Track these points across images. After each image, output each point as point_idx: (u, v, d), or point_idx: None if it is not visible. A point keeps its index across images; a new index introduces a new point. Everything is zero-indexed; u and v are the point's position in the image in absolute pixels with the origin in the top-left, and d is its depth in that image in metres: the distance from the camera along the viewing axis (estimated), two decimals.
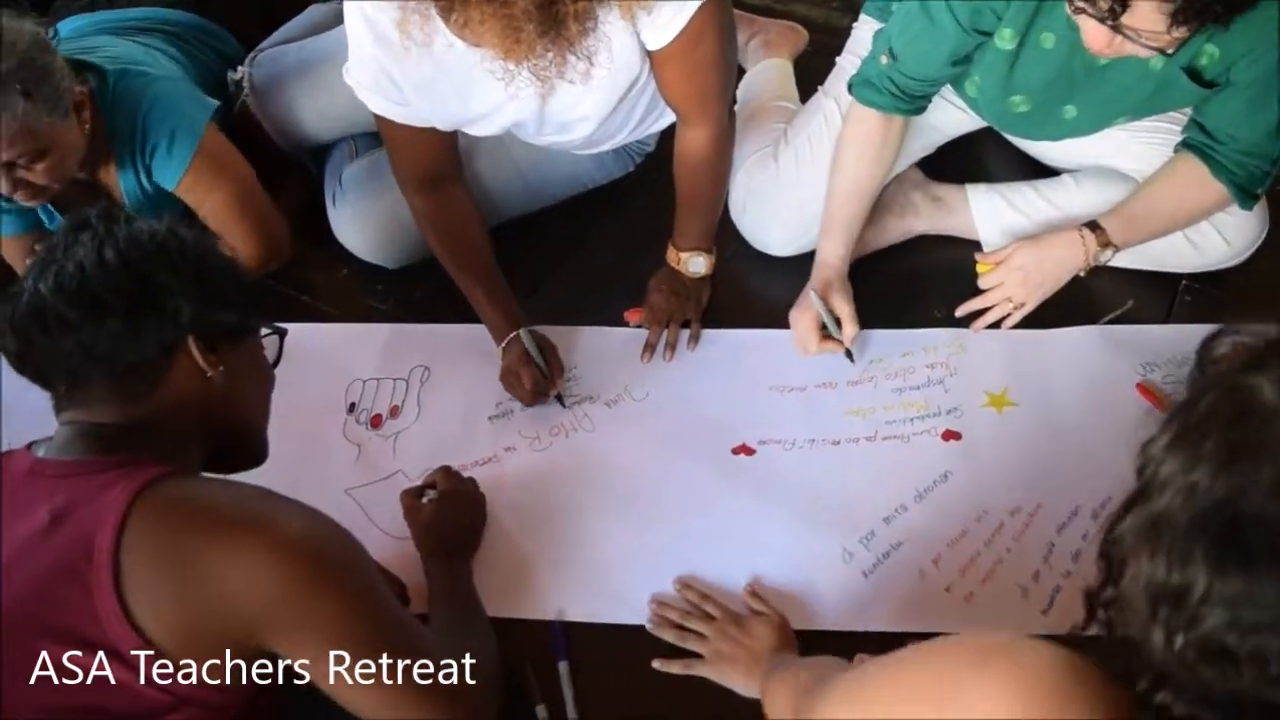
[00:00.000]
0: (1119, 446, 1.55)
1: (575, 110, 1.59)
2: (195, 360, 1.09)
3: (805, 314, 1.67)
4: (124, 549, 0.96)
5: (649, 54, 1.52)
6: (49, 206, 1.72)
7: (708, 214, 1.75)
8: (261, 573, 0.98)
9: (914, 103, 1.65)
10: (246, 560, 0.98)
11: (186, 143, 1.70)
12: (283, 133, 1.97)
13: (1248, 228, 1.72)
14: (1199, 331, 1.63)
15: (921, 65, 1.59)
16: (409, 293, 1.88)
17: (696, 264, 1.75)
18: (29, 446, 1.10)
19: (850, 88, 1.67)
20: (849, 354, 1.68)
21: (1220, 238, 1.72)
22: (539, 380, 1.63)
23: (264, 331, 1.23)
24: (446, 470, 1.53)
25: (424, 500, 1.49)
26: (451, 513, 1.48)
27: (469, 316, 1.79)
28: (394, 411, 1.71)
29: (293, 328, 1.76)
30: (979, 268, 1.71)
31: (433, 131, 1.61)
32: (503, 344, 1.66)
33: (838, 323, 1.66)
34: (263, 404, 1.24)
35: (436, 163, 1.67)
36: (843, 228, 1.70)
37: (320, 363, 1.77)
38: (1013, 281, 1.67)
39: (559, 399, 1.68)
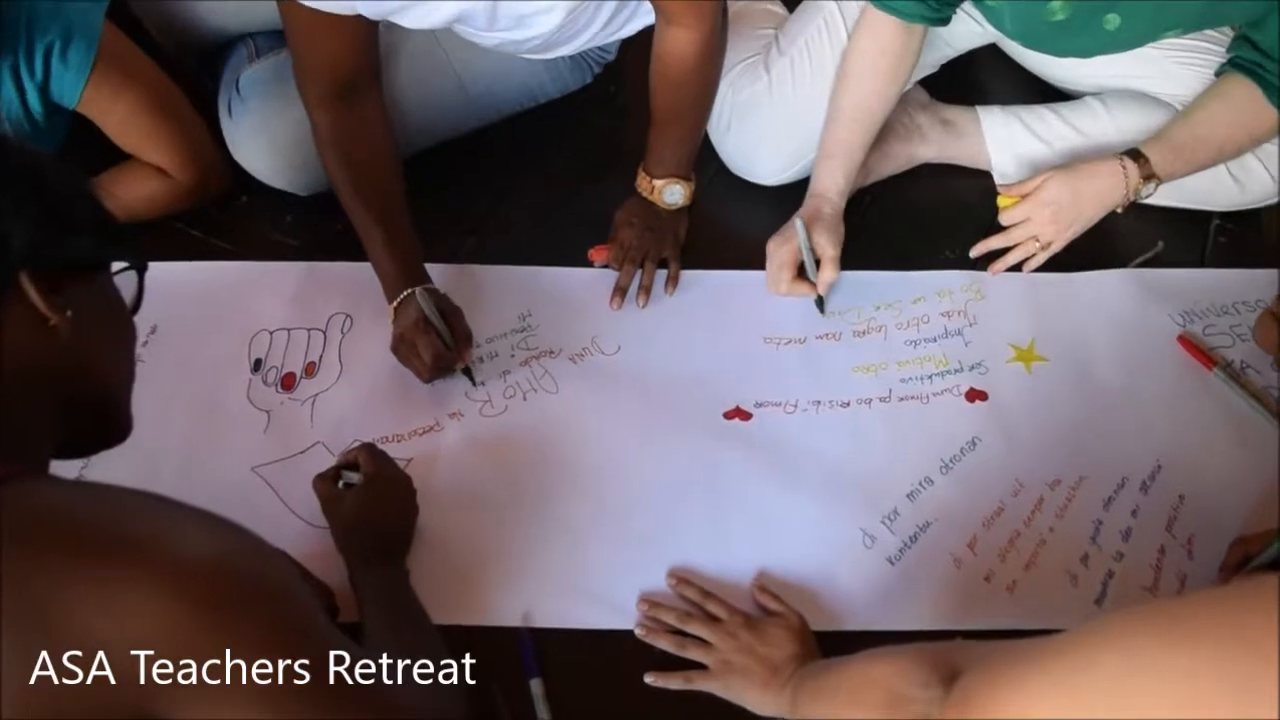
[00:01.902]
0: (1163, 408, 1.40)
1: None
2: (33, 304, 0.77)
3: (784, 246, 1.42)
4: None
5: None
6: None
7: (689, 136, 1.48)
8: (151, 615, 0.68)
9: (941, 10, 1.40)
10: (129, 598, 0.68)
11: (84, 46, 1.38)
12: (166, 27, 1.62)
13: None
14: (1240, 278, 1.51)
15: None
16: (325, 224, 1.54)
17: (673, 194, 1.48)
18: None
19: None
20: (820, 303, 1.44)
21: (1265, 171, 1.53)
22: (440, 351, 1.32)
23: (116, 266, 0.91)
24: (369, 448, 1.23)
25: (341, 486, 1.20)
26: (381, 503, 1.19)
27: None
28: (310, 369, 1.41)
29: (182, 267, 1.49)
30: (1000, 201, 1.47)
31: (353, 22, 1.30)
32: (394, 303, 1.35)
33: (817, 264, 1.41)
34: (123, 361, 0.90)
35: (350, 65, 1.37)
36: (845, 154, 1.45)
37: (217, 311, 1.45)
38: (1041, 218, 1.44)
39: (467, 375, 1.38)
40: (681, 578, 1.21)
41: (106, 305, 0.85)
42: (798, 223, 1.40)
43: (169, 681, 0.69)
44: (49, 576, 0.68)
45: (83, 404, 0.85)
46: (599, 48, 1.61)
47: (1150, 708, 0.59)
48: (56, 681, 0.66)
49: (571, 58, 1.60)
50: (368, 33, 1.35)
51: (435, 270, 1.46)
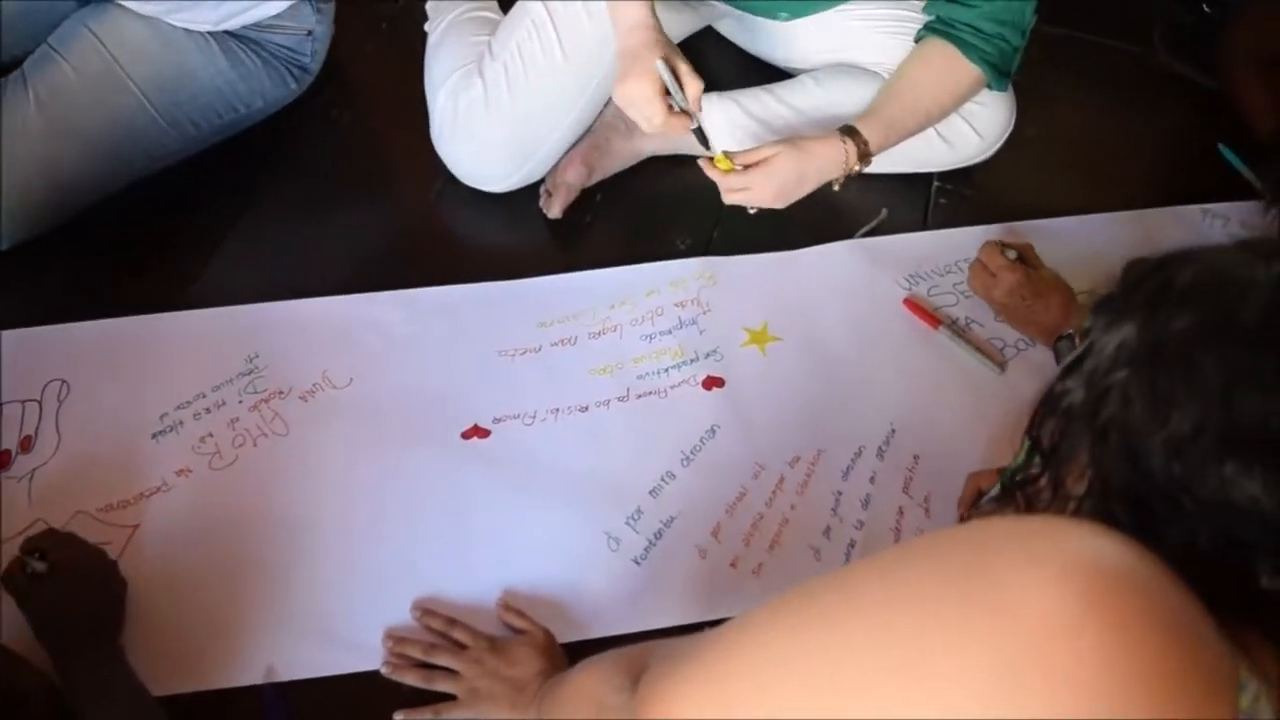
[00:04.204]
0: (895, 372, 1.44)
1: None
2: None
3: (642, 80, 1.33)
4: None
5: None
6: None
7: None
8: None
9: None
10: None
11: None
12: None
13: (996, 118, 1.59)
14: (959, 236, 1.57)
15: None
16: (36, 285, 1.47)
17: None
18: None
19: None
20: (701, 134, 1.39)
21: (971, 130, 1.59)
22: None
23: None
24: (53, 533, 1.17)
25: (27, 572, 1.12)
26: (76, 588, 1.12)
27: (118, 306, 1.44)
28: (25, 444, 1.33)
29: None
30: (718, 162, 1.40)
31: None
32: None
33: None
34: None
35: None
36: None
37: None
38: (765, 191, 1.42)
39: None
40: (426, 609, 1.19)
41: None
42: (649, 55, 1.33)
43: None
44: None
45: None
46: (285, 46, 1.57)
47: (785, 696, 0.60)
48: None
49: (260, 57, 1.55)
50: None
51: (154, 320, 1.41)
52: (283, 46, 1.57)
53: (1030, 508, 0.72)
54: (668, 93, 1.34)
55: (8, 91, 1.45)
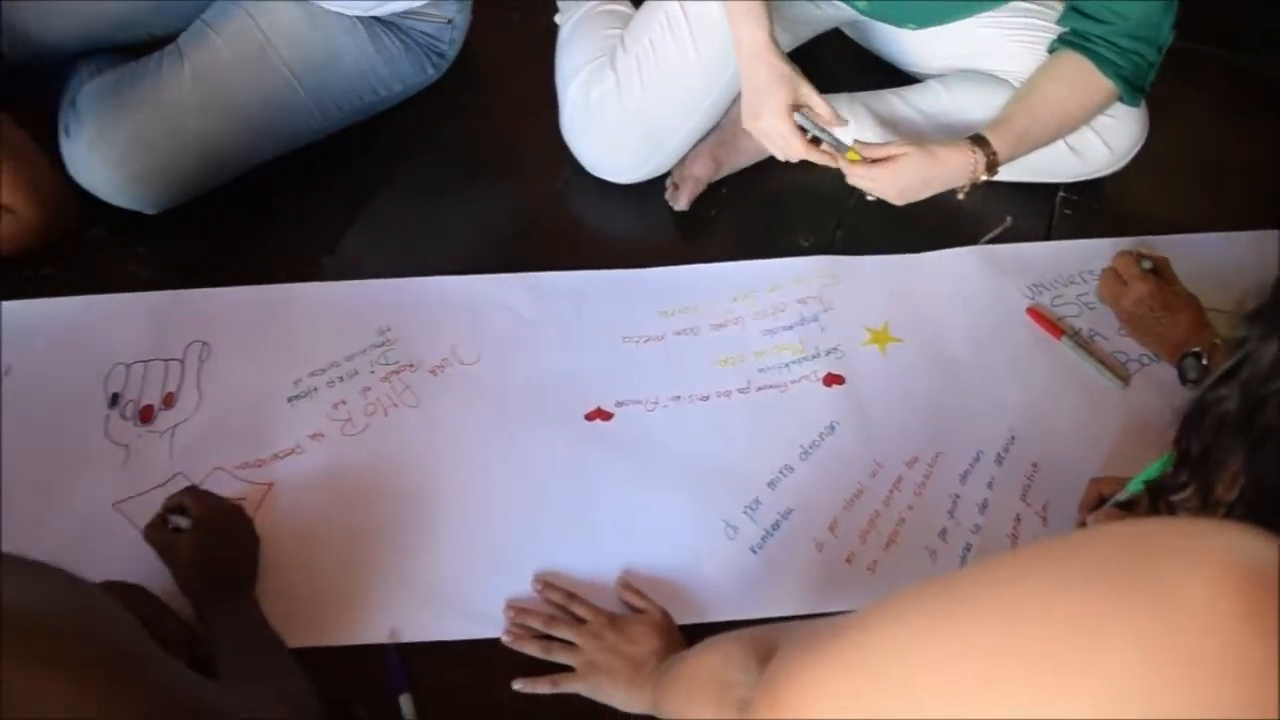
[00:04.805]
0: (1015, 380, 1.44)
1: None
2: None
3: (777, 120, 1.41)
4: None
5: None
6: None
7: None
8: None
9: None
10: None
11: None
12: (3, 37, 1.56)
13: (1127, 131, 1.58)
14: (1084, 248, 1.56)
15: None
16: (179, 251, 1.53)
17: None
18: None
19: None
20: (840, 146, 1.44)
21: (1101, 142, 1.57)
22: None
23: None
24: (193, 491, 1.22)
25: (170, 528, 1.18)
26: (216, 542, 1.17)
27: (255, 275, 1.49)
28: (169, 400, 1.39)
29: (35, 305, 1.46)
30: (849, 155, 1.43)
31: None
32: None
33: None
34: None
35: None
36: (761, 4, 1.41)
37: (70, 347, 1.42)
38: (889, 185, 1.43)
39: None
40: (547, 582, 1.22)
41: None
42: (794, 115, 1.40)
43: None
44: None
45: None
46: (427, 33, 1.61)
47: (926, 682, 0.61)
48: None
49: (403, 42, 1.60)
50: None
51: (292, 289, 1.46)
52: (424, 34, 1.61)
53: (1171, 514, 0.72)
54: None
55: (165, 64, 1.51)
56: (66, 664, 0.72)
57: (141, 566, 1.17)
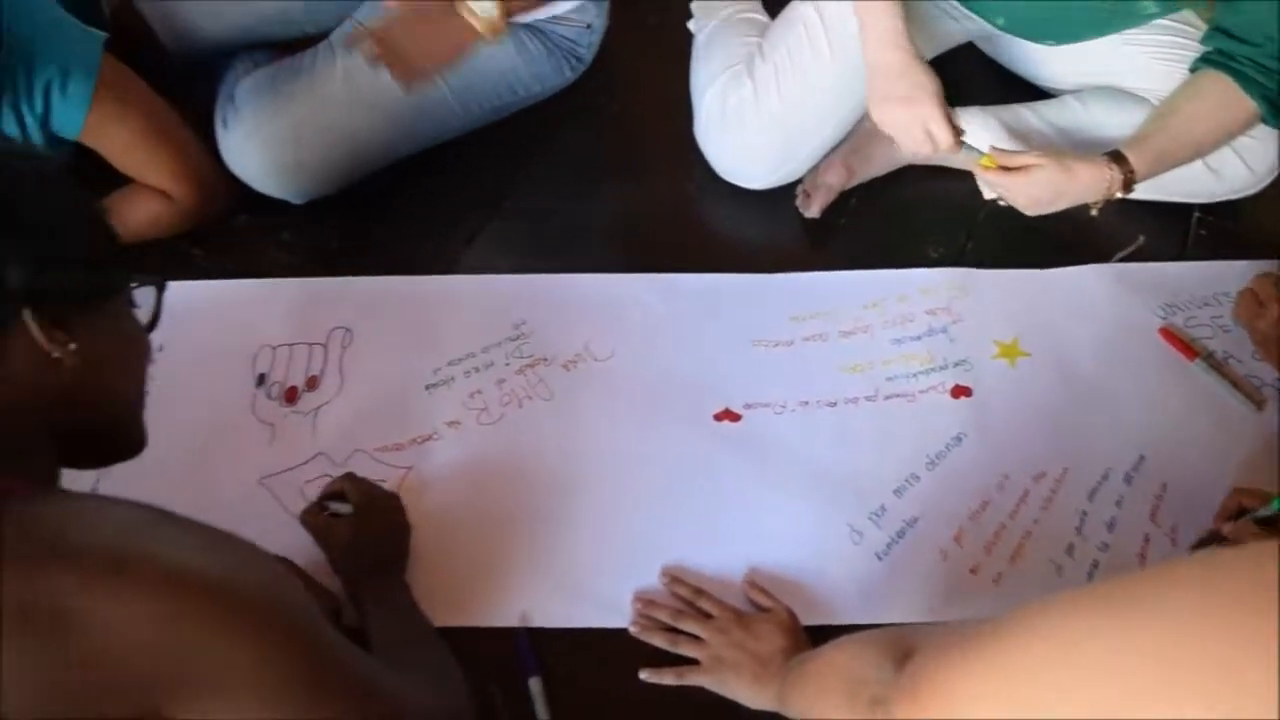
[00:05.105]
0: (1145, 399, 1.42)
1: None
2: (35, 340, 0.79)
3: (911, 108, 1.41)
4: None
5: None
6: None
7: None
8: (158, 622, 0.72)
9: None
10: (137, 607, 0.72)
11: (83, 80, 1.40)
12: (169, 27, 1.66)
13: (1269, 152, 1.55)
14: (1219, 269, 1.54)
15: None
16: (322, 240, 1.60)
17: (484, 5, 1.44)
18: None
19: None
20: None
21: (1241, 162, 1.55)
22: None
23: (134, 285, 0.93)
24: (352, 478, 1.26)
25: (326, 515, 1.23)
26: (374, 528, 1.22)
27: (394, 265, 1.55)
28: (312, 383, 1.44)
29: (187, 286, 1.52)
30: (983, 160, 1.43)
31: None
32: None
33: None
34: (134, 381, 0.93)
35: None
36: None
37: (221, 328, 1.49)
38: (1021, 196, 1.42)
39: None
40: (674, 576, 1.25)
41: (116, 328, 0.88)
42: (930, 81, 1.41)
43: (172, 684, 0.73)
44: (54, 586, 0.72)
45: (92, 423, 0.88)
46: (567, 37, 1.65)
47: (1080, 687, 0.62)
48: (67, 683, 0.70)
49: (544, 45, 1.64)
50: None
51: (430, 281, 1.51)
52: (564, 37, 1.66)
53: None
54: None
55: (319, 61, 1.57)
56: (257, 630, 0.76)
57: (284, 539, 1.21)
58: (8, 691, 0.69)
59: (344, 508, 1.22)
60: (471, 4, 1.42)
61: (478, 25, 1.43)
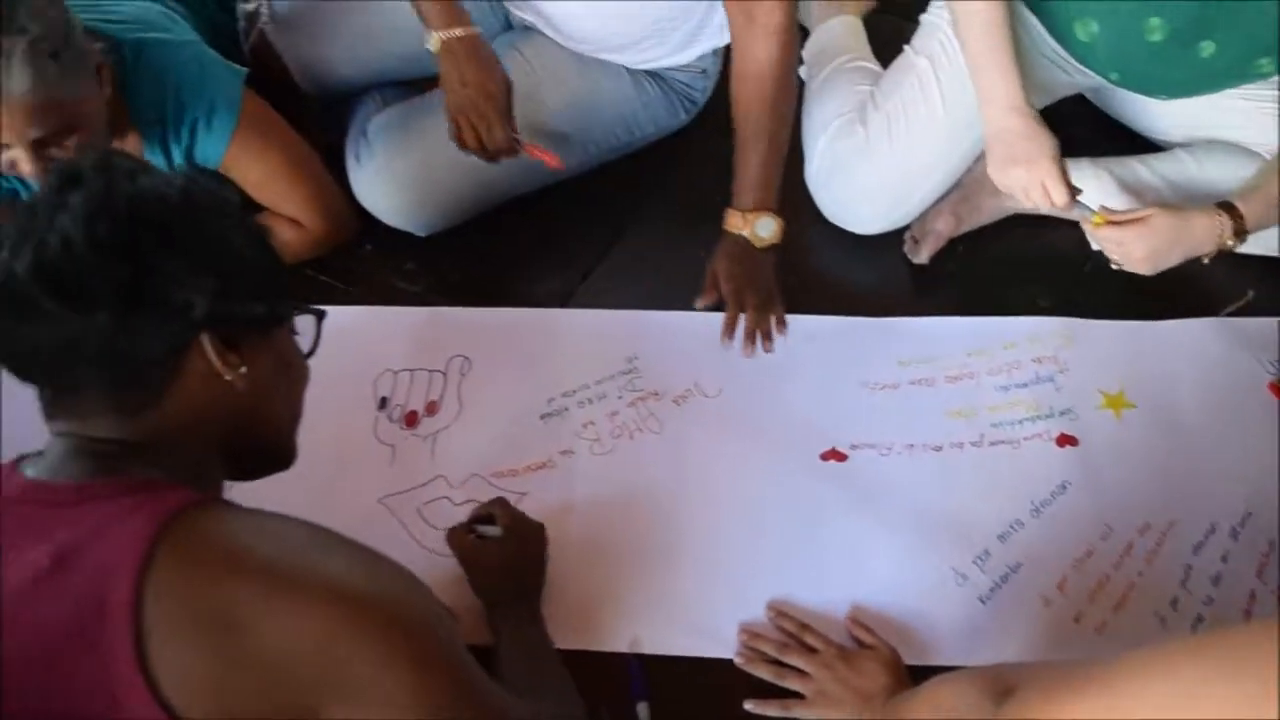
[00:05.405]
0: (1253, 455, 1.43)
1: None
2: (210, 362, 0.87)
3: (1034, 168, 1.43)
4: (146, 601, 0.75)
5: None
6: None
7: (774, 156, 1.53)
8: (317, 631, 0.78)
9: None
10: (301, 617, 0.78)
11: (227, 114, 1.50)
12: (305, 69, 1.76)
13: None
14: None
15: None
16: (443, 272, 1.67)
17: (766, 227, 1.53)
18: (16, 463, 0.88)
19: None
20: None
21: None
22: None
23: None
24: (503, 503, 1.32)
25: (474, 537, 1.29)
26: (521, 553, 1.28)
27: (512, 297, 1.61)
28: (431, 408, 1.51)
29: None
30: (1095, 219, 1.45)
31: None
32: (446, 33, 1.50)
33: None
34: (293, 403, 1.01)
35: None
36: (1011, 57, 1.45)
37: (346, 352, 1.53)
38: (1137, 248, 1.44)
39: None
40: (780, 610, 1.28)
41: (280, 353, 0.95)
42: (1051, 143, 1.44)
43: (329, 691, 0.79)
44: (229, 594, 0.78)
45: (252, 439, 0.95)
46: (683, 82, 1.70)
47: None
48: (235, 682, 0.76)
49: (661, 88, 1.70)
50: None
51: (547, 314, 1.57)
52: (681, 81, 1.71)
53: None
54: None
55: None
56: (409, 649, 0.82)
57: (400, 557, 1.25)
58: (181, 686, 0.75)
59: (493, 531, 1.28)
60: (756, 226, 1.52)
61: (757, 244, 1.54)
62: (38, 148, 1.30)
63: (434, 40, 1.51)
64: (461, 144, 1.53)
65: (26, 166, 1.31)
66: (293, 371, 0.98)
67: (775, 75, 1.47)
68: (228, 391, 0.88)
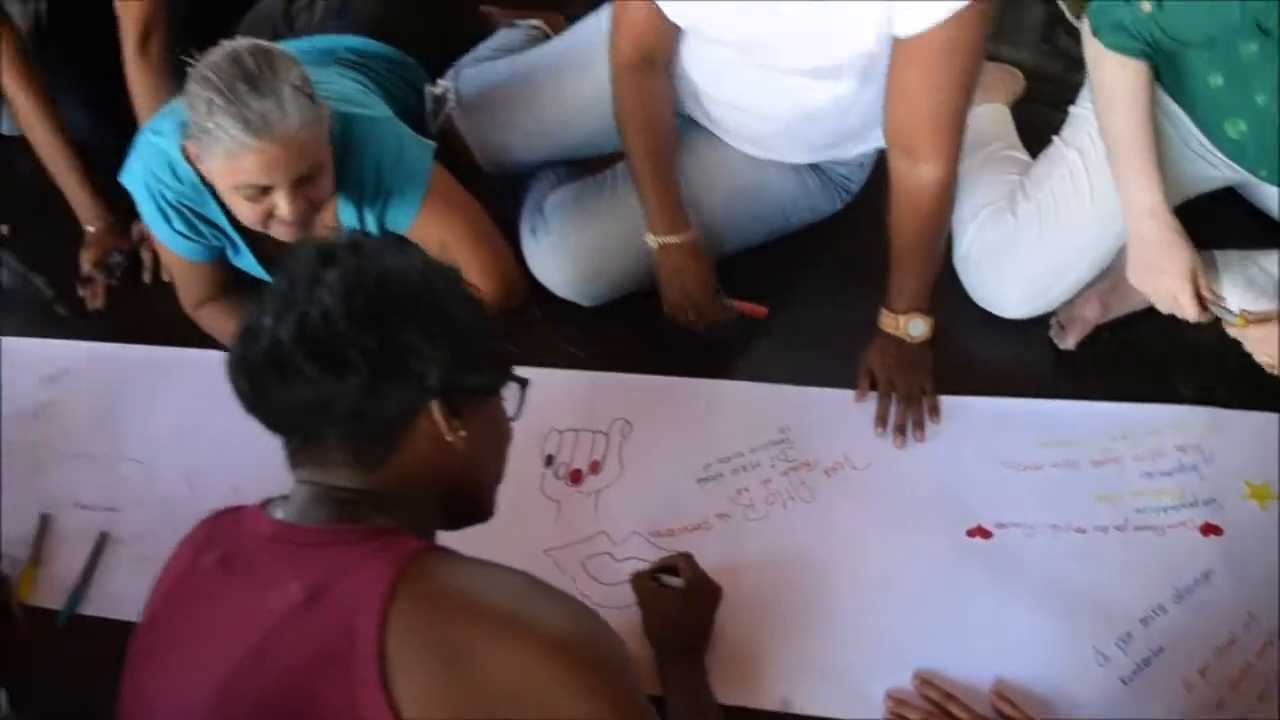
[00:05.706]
0: None
1: (788, 51, 1.49)
2: (435, 424, 0.98)
3: (1175, 278, 1.50)
4: (389, 634, 0.87)
5: (894, 42, 1.41)
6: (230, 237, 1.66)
7: (928, 269, 1.62)
8: (535, 671, 0.88)
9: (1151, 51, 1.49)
10: (519, 657, 0.88)
11: (418, 185, 1.64)
12: (486, 151, 1.90)
13: None
14: None
15: (1189, 25, 1.42)
16: (607, 339, 1.78)
17: (917, 327, 1.62)
18: (263, 505, 1.01)
19: (1097, 30, 1.50)
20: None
21: None
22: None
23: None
24: (689, 558, 1.42)
25: (656, 585, 1.39)
26: (698, 607, 1.38)
27: (672, 366, 1.71)
28: (594, 467, 1.62)
29: None
30: (1238, 320, 1.50)
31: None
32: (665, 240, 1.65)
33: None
34: (499, 463, 1.12)
35: (656, 39, 1.59)
36: (1153, 164, 1.51)
37: None
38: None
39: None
40: (925, 679, 1.34)
41: (493, 419, 1.06)
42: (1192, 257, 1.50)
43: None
44: (458, 631, 0.89)
45: (462, 494, 1.06)
46: (842, 175, 1.80)
47: None
48: (464, 709, 0.86)
49: (821, 179, 1.79)
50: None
51: (705, 383, 1.67)
52: (840, 174, 1.80)
53: None
54: None
55: (620, 182, 1.76)
56: (606, 692, 0.91)
57: None
58: (417, 708, 0.86)
59: (676, 582, 1.38)
60: (909, 327, 1.62)
61: (909, 340, 1.63)
62: (296, 187, 1.43)
63: (653, 240, 1.66)
64: (674, 323, 1.69)
65: (286, 207, 1.43)
66: (501, 435, 1.10)
67: (933, 198, 1.53)
68: (449, 451, 1.00)
